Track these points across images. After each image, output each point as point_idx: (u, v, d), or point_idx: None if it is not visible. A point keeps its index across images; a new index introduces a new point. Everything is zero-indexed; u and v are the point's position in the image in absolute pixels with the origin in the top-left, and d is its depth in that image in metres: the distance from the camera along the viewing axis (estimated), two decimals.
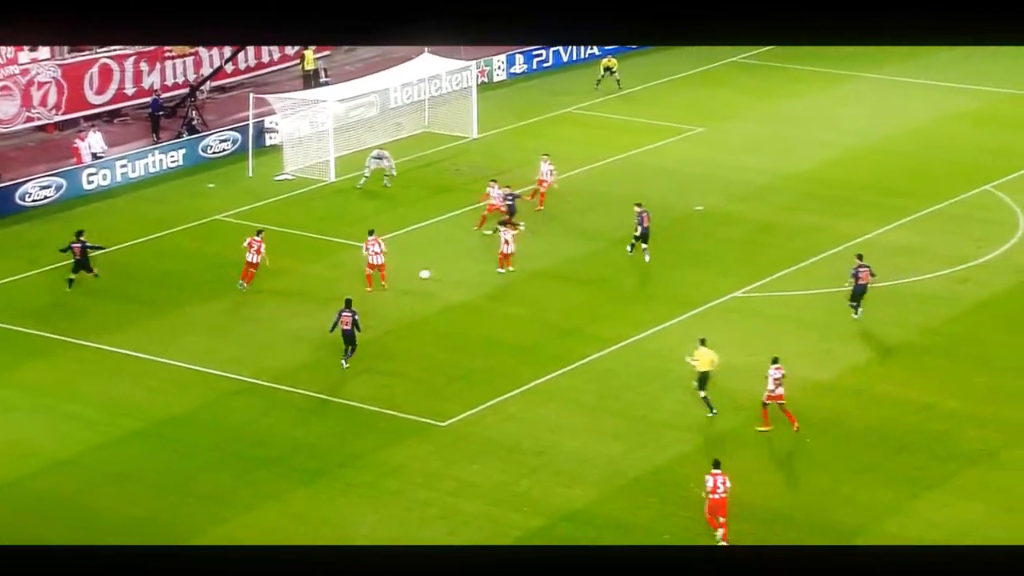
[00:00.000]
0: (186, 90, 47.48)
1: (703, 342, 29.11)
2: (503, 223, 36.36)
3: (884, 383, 30.12)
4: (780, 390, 27.96)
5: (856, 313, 32.65)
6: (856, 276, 32.61)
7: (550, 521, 25.53)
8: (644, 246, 35.97)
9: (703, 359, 28.73)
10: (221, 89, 49.49)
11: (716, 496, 24.73)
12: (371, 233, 34.92)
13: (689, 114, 47.69)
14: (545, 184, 40.03)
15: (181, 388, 30.45)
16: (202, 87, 47.89)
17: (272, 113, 44.76)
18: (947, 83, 50.15)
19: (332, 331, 30.72)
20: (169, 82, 47.95)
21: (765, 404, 28.07)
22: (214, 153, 44.49)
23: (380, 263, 34.46)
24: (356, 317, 30.58)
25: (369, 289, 34.27)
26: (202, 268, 36.75)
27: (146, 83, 47.40)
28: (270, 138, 44.95)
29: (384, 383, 30.54)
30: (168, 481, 27.11)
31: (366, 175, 41.63)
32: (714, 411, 28.72)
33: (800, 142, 45.22)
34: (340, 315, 30.63)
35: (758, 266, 35.80)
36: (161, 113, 46.27)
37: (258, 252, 34.68)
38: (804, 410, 29.11)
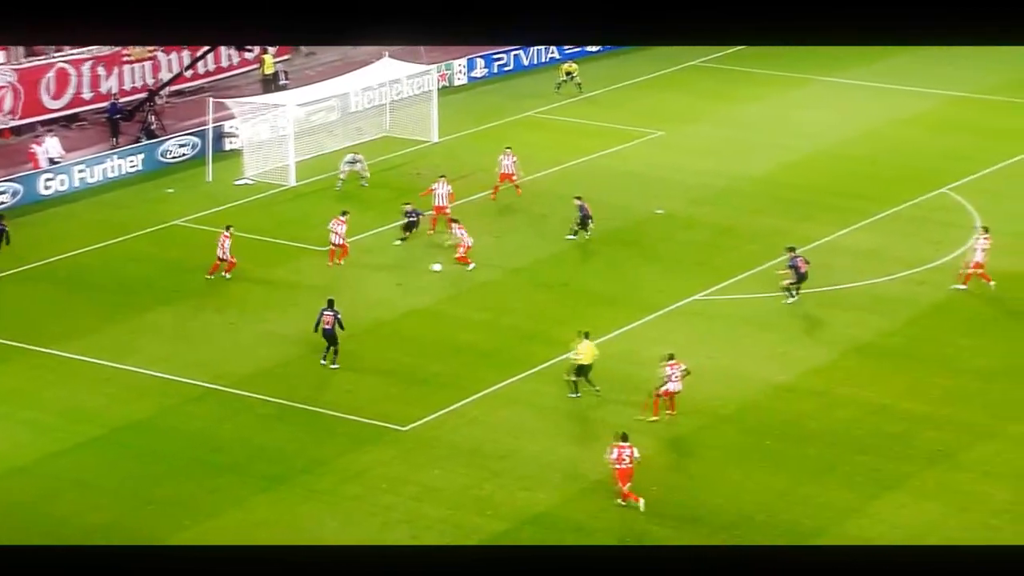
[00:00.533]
0: (144, 94, 47.22)
1: (586, 335, 29.58)
2: (453, 220, 36.65)
3: (843, 385, 30.33)
4: (675, 386, 28.40)
5: (792, 296, 33.45)
6: (795, 267, 33.37)
7: (513, 525, 25.54)
8: (586, 227, 37.34)
9: (586, 353, 29.30)
10: (179, 93, 49.24)
11: (621, 466, 25.65)
12: (344, 213, 36.44)
13: (649, 118, 47.88)
14: (513, 178, 40.36)
15: (140, 394, 30.27)
16: (161, 92, 47.64)
17: (231, 117, 44.58)
18: (903, 86, 50.59)
19: (316, 330, 30.84)
20: (127, 86, 47.67)
21: (657, 395, 28.54)
22: (173, 158, 44.26)
23: (339, 243, 35.85)
24: (339, 316, 30.72)
25: (329, 264, 35.92)
26: (162, 273, 36.56)
27: (104, 88, 47.09)
28: (230, 143, 44.76)
29: (346, 388, 30.47)
30: (128, 488, 26.93)
31: (341, 178, 41.64)
32: (578, 394, 29.34)
33: (759, 145, 45.49)
34: (322, 314, 30.84)
35: (719, 269, 36.00)
36: (118, 116, 46.00)
37: (222, 247, 35.05)
38: (764, 412, 29.29)
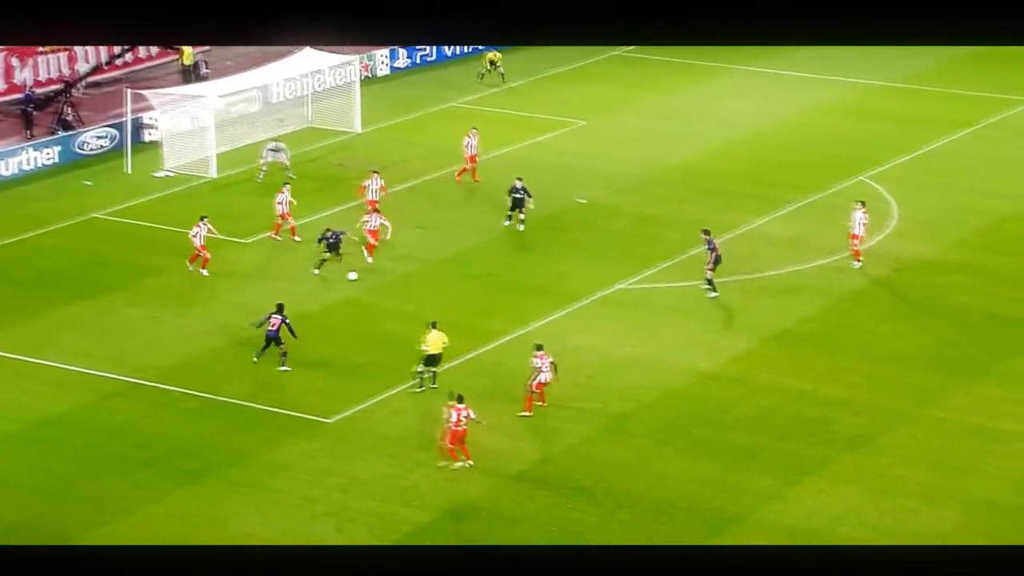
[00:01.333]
0: (59, 85, 46.54)
1: (434, 325, 29.57)
2: (376, 211, 36.58)
3: (764, 372, 30.66)
4: (545, 376, 28.47)
5: (715, 291, 33.76)
6: (714, 248, 33.74)
7: (439, 516, 25.54)
8: (521, 215, 37.59)
9: (433, 342, 29.29)
10: (96, 85, 48.57)
11: (458, 428, 26.42)
12: (286, 184, 37.55)
13: (571, 107, 48.06)
14: (476, 160, 40.85)
15: (59, 390, 29.84)
16: (77, 84, 46.97)
17: (150, 109, 44.07)
18: (821, 76, 51.21)
19: (259, 326, 30.54)
20: (42, 77, 46.95)
21: (532, 392, 28.54)
22: (91, 150, 43.68)
23: (284, 212, 36.70)
24: (287, 322, 30.45)
25: (274, 236, 36.88)
26: (80, 267, 36.09)
27: (18, 79, 46.34)
28: (148, 134, 44.27)
29: (270, 380, 30.28)
30: (46, 485, 26.53)
31: (263, 168, 41.37)
32: (422, 388, 29.24)
33: (680, 135, 45.86)
34: (270, 317, 30.44)
35: (641, 258, 36.24)
36: (31, 106, 45.29)
37: (198, 237, 34.87)
38: (688, 400, 29.54)
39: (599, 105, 48.45)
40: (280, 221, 36.94)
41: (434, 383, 27.49)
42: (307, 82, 47.10)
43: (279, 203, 36.82)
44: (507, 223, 38.02)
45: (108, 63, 48.21)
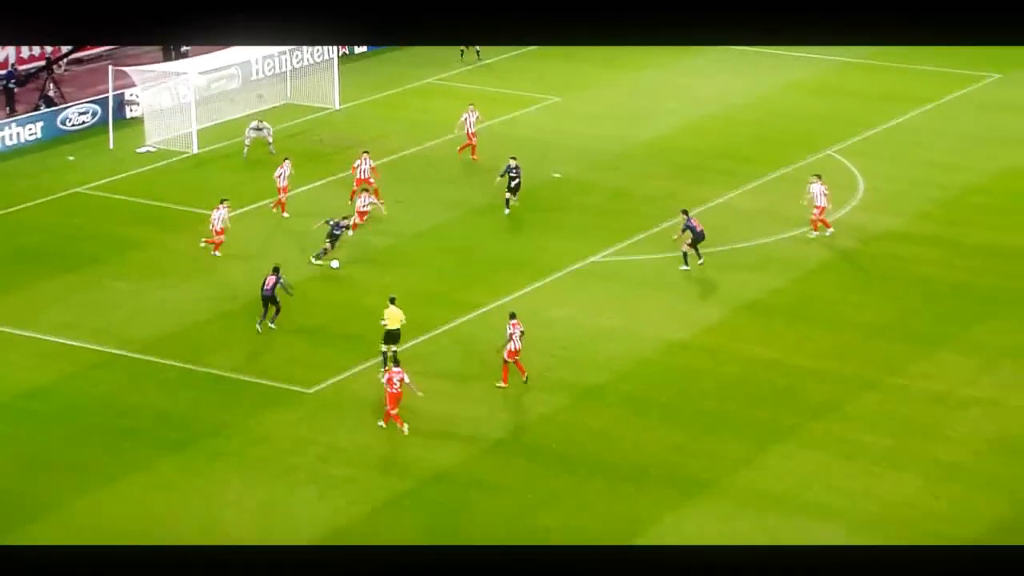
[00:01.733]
0: (42, 62, 46.81)
1: (392, 300, 29.98)
2: (364, 191, 37.10)
3: (735, 341, 31.35)
4: (515, 344, 28.96)
5: (700, 259, 34.33)
6: (692, 228, 34.23)
7: (417, 483, 26.11)
8: (513, 198, 37.85)
9: (392, 318, 29.70)
10: (79, 61, 48.87)
11: (393, 390, 27.27)
12: (286, 159, 37.91)
13: (546, 84, 48.59)
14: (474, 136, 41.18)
15: (43, 361, 30.25)
16: (60, 61, 47.26)
17: (132, 85, 44.46)
18: (790, 52, 51.82)
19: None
20: (24, 54, 47.20)
21: (506, 361, 28.97)
22: (73, 126, 44.06)
23: (284, 185, 37.32)
24: (280, 282, 31.07)
25: (274, 209, 37.60)
26: (64, 241, 36.52)
27: (0, 56, 46.59)
28: (131, 110, 44.68)
29: (250, 351, 30.83)
30: (29, 454, 26.88)
31: (247, 144, 41.83)
32: (385, 368, 29.39)
33: (652, 111, 46.46)
34: (266, 279, 31.20)
35: (615, 231, 36.87)
36: (13, 83, 45.57)
37: (219, 220, 35.10)
38: (661, 368, 30.23)
39: (573, 82, 48.98)
40: (283, 196, 37.32)
41: (395, 362, 27.91)
42: (286, 59, 47.51)
43: (278, 176, 37.20)
44: (507, 209, 37.94)
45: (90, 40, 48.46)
